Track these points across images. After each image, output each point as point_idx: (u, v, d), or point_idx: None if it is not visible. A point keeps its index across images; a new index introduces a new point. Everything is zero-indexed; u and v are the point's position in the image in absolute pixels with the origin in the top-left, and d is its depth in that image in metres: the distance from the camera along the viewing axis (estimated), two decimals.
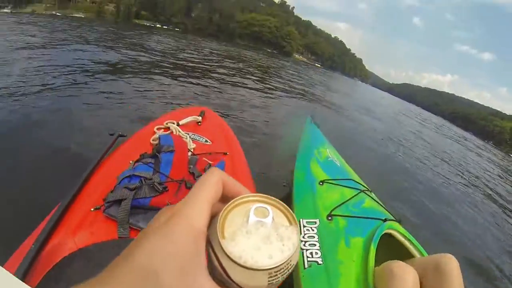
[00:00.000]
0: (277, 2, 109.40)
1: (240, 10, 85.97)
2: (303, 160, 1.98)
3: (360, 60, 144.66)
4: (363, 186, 1.73)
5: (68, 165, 2.06)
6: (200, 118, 1.71)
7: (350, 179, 1.73)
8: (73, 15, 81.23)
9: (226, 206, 0.24)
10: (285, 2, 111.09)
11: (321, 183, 1.66)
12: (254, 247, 0.22)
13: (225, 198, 0.26)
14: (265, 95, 6.79)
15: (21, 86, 3.67)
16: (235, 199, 0.25)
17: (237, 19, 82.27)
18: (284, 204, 0.25)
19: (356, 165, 2.20)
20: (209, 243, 0.23)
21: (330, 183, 1.67)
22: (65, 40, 9.53)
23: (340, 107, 9.40)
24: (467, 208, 4.54)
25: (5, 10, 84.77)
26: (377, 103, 22.00)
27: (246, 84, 7.50)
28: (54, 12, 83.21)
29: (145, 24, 78.93)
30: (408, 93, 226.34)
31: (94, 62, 5.97)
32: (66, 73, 4.70)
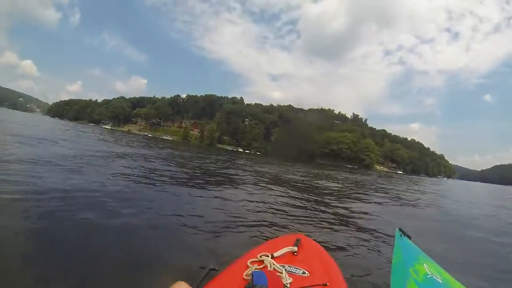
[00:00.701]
0: (349, 117, 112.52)
1: (316, 131, 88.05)
2: (398, 285, 1.74)
3: (442, 156, 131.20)
4: None
5: None
6: (295, 248, 1.63)
7: None
8: (162, 137, 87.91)
9: None
10: (357, 115, 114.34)
11: None
12: None
13: None
14: (354, 213, 6.42)
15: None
16: None
17: (315, 139, 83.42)
18: None
19: (464, 276, 2.05)
20: None
21: None
22: (156, 161, 11.25)
23: (431, 210, 8.99)
24: None
25: (106, 126, 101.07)
26: (471, 196, 20.26)
27: (333, 204, 7.20)
28: (146, 133, 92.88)
29: (228, 148, 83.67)
30: (502, 175, 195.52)
31: (182, 188, 6.38)
32: (154, 208, 4.37)
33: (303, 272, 1.42)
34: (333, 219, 5.40)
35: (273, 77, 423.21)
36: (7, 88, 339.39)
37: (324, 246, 2.11)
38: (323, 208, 6.38)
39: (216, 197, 5.91)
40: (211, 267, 1.44)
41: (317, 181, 14.08)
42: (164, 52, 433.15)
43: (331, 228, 4.65)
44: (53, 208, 3.40)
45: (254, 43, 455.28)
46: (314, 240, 1.89)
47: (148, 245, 2.92)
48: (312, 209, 6.18)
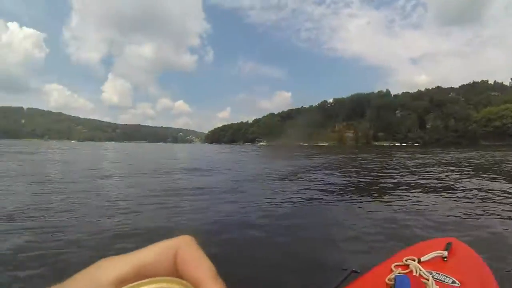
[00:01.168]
0: (508, 85, 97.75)
1: (473, 109, 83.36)
2: None
3: None
4: None
5: None
6: (445, 252, 1.37)
7: None
8: (318, 144, 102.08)
9: None
10: None
11: None
12: None
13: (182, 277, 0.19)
14: None
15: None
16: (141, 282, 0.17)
17: (473, 118, 79.56)
18: None
19: None
20: None
21: None
22: (314, 170, 11.58)
23: None
24: None
25: (262, 143, 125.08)
26: None
27: (500, 201, 5.70)
28: (301, 143, 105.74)
29: (384, 144, 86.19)
30: None
31: (334, 189, 6.73)
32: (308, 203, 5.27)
33: (453, 282, 1.20)
34: (503, 217, 4.42)
35: (413, 61, 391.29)
36: (168, 127, 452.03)
37: (483, 252, 1.76)
38: (490, 207, 5.13)
39: (372, 201, 5.74)
40: (353, 269, 1.40)
41: (481, 170, 11.95)
42: (299, 63, 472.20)
43: (498, 229, 3.81)
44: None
45: (382, 29, 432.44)
46: (468, 245, 1.56)
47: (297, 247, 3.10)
48: (473, 207, 5.12)
